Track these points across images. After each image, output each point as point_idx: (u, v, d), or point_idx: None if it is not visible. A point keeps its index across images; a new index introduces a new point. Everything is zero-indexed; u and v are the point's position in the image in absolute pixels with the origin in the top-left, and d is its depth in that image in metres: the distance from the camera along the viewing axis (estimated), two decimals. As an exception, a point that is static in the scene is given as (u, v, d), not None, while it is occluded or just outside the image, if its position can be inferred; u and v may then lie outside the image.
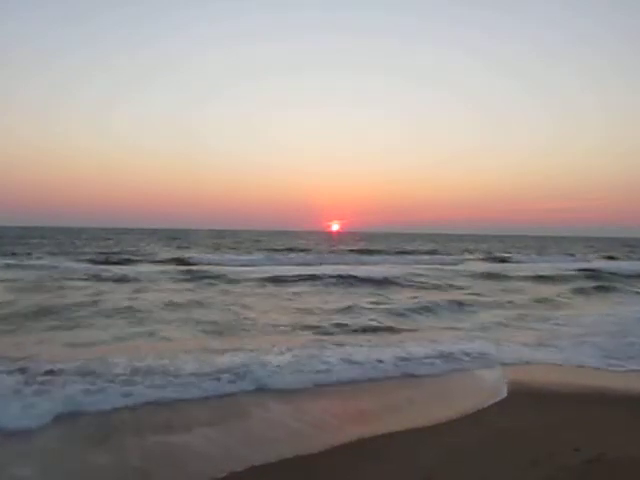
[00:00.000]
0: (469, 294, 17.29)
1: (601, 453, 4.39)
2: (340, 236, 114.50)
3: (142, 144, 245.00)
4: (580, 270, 26.50)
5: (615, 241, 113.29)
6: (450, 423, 5.53)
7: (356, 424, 5.53)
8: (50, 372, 6.45)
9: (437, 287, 19.31)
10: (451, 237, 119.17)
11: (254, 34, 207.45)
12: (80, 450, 4.68)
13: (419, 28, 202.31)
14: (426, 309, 13.41)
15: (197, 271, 21.86)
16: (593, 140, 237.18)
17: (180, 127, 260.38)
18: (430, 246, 61.78)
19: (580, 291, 18.50)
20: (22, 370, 6.51)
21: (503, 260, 39.56)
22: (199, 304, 13.29)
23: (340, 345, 8.87)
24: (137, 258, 31.24)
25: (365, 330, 10.62)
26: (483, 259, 40.49)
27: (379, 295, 16.39)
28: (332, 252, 43.98)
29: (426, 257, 39.64)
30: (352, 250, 47.61)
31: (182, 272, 21.67)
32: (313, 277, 20.01)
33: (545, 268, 29.17)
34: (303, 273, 20.96)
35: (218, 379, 6.53)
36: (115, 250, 38.70)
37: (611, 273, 25.18)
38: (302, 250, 46.06)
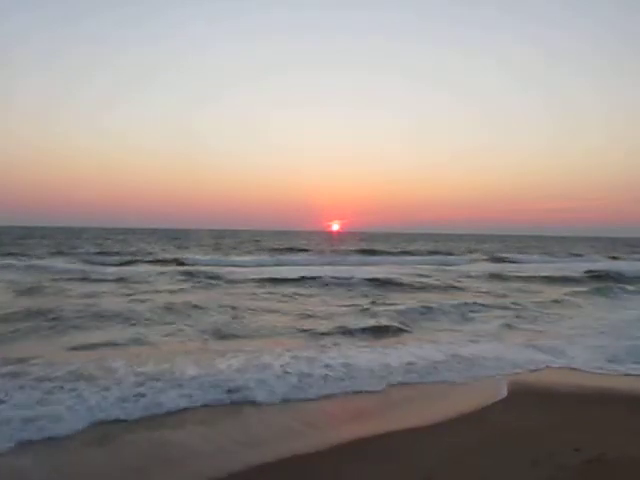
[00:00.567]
0: (479, 294, 17.14)
1: (601, 453, 4.39)
2: (340, 236, 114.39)
3: (142, 144, 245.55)
4: (589, 271, 26.27)
5: (616, 241, 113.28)
6: (450, 423, 5.52)
7: (356, 424, 5.52)
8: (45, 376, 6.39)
9: (444, 288, 19.00)
10: (451, 237, 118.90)
11: (254, 34, 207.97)
12: (80, 450, 4.68)
13: (419, 28, 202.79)
14: (430, 310, 13.05)
15: (196, 272, 21.82)
16: (593, 140, 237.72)
17: (180, 127, 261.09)
18: (432, 246, 61.68)
19: (594, 292, 18.05)
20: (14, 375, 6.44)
21: (510, 261, 39.10)
22: (197, 306, 13.17)
23: (340, 346, 8.85)
24: (137, 258, 31.26)
25: (366, 330, 10.54)
26: (487, 259, 40.15)
27: (381, 296, 16.34)
28: (333, 252, 43.83)
29: (429, 257, 39.52)
30: (354, 250, 47.36)
31: (181, 273, 21.64)
32: (313, 277, 19.87)
33: (554, 269, 29.03)
34: (304, 275, 20.60)
35: (216, 382, 6.46)
36: (115, 250, 38.69)
37: (619, 273, 24.98)
38: (303, 250, 46.06)
